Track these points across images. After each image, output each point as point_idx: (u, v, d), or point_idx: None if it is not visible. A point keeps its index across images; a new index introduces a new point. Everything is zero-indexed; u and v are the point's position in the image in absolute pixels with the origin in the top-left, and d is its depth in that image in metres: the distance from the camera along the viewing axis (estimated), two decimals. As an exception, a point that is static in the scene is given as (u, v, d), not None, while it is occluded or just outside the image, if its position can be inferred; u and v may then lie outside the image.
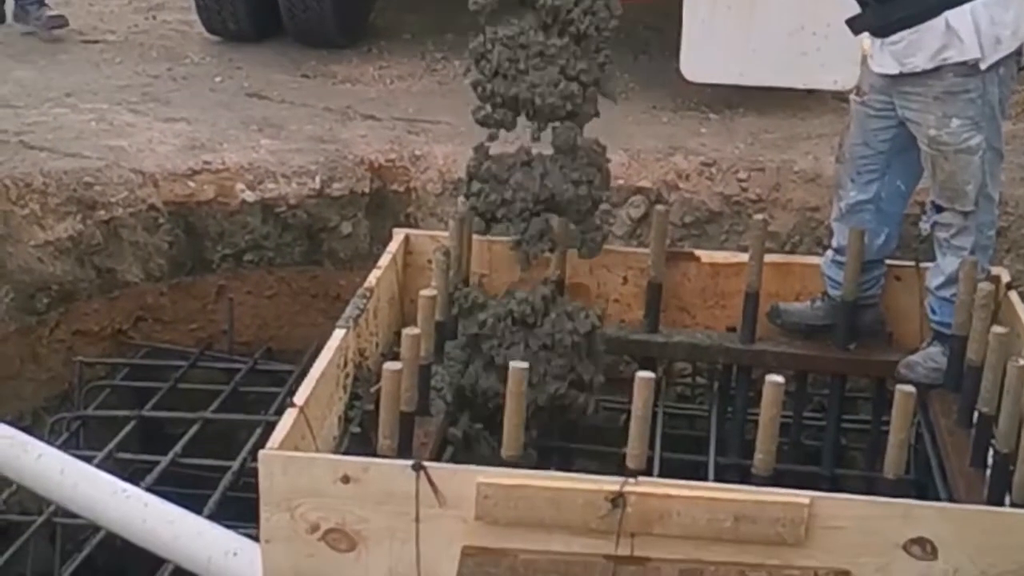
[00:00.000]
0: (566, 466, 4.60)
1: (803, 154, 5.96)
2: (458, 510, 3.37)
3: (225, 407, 5.30)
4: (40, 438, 4.47)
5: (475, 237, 4.65)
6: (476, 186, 4.26)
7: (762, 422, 3.55)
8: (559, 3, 4.06)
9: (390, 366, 3.64)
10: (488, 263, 4.64)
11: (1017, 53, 4.19)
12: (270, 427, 3.64)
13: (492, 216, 4.30)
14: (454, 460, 4.03)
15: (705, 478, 4.27)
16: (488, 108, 4.24)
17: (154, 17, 8.38)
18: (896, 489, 3.55)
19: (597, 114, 4.27)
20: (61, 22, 7.82)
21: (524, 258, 4.41)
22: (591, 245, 4.45)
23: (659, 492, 3.34)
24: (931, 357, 4.40)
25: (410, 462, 3.39)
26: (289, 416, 3.58)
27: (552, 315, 4.26)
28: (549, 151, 4.31)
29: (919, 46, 4.10)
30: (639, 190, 5.71)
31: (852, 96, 4.51)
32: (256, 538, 3.58)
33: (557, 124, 4.23)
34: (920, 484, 4.43)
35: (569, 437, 4.83)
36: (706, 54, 6.32)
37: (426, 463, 3.40)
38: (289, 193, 5.76)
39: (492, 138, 4.30)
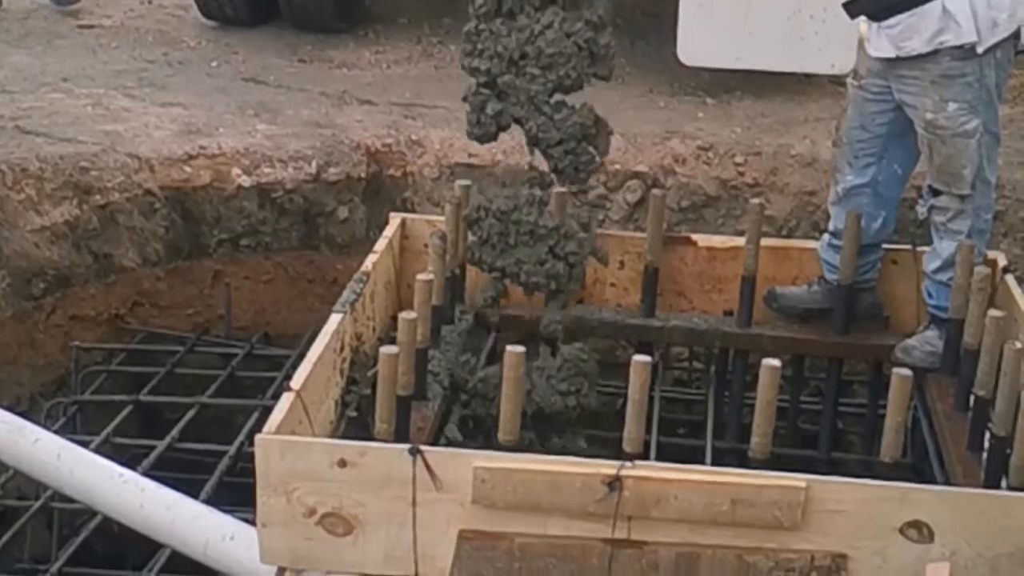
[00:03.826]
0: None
1: (800, 138, 5.96)
2: (455, 494, 3.37)
3: (222, 392, 5.31)
4: (37, 423, 4.47)
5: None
6: (464, 398, 4.23)
7: (759, 406, 3.55)
8: (542, 136, 4.03)
9: (387, 350, 3.64)
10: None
11: (1014, 36, 4.19)
12: (267, 411, 3.63)
13: (480, 430, 4.25)
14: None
15: (702, 462, 4.27)
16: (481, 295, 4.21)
17: (150, 2, 8.36)
18: (893, 473, 3.55)
19: (583, 285, 4.20)
20: None
21: None
22: None
23: (656, 476, 3.34)
24: (928, 341, 4.40)
25: (407, 446, 3.40)
26: (286, 400, 3.58)
27: None
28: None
29: (916, 30, 4.10)
30: (636, 174, 5.71)
31: (849, 80, 4.51)
32: (253, 522, 3.59)
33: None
34: (917, 468, 4.43)
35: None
36: (703, 38, 6.31)
37: (423, 447, 3.41)
38: (286, 178, 5.75)
39: (475, 354, 4.32)
